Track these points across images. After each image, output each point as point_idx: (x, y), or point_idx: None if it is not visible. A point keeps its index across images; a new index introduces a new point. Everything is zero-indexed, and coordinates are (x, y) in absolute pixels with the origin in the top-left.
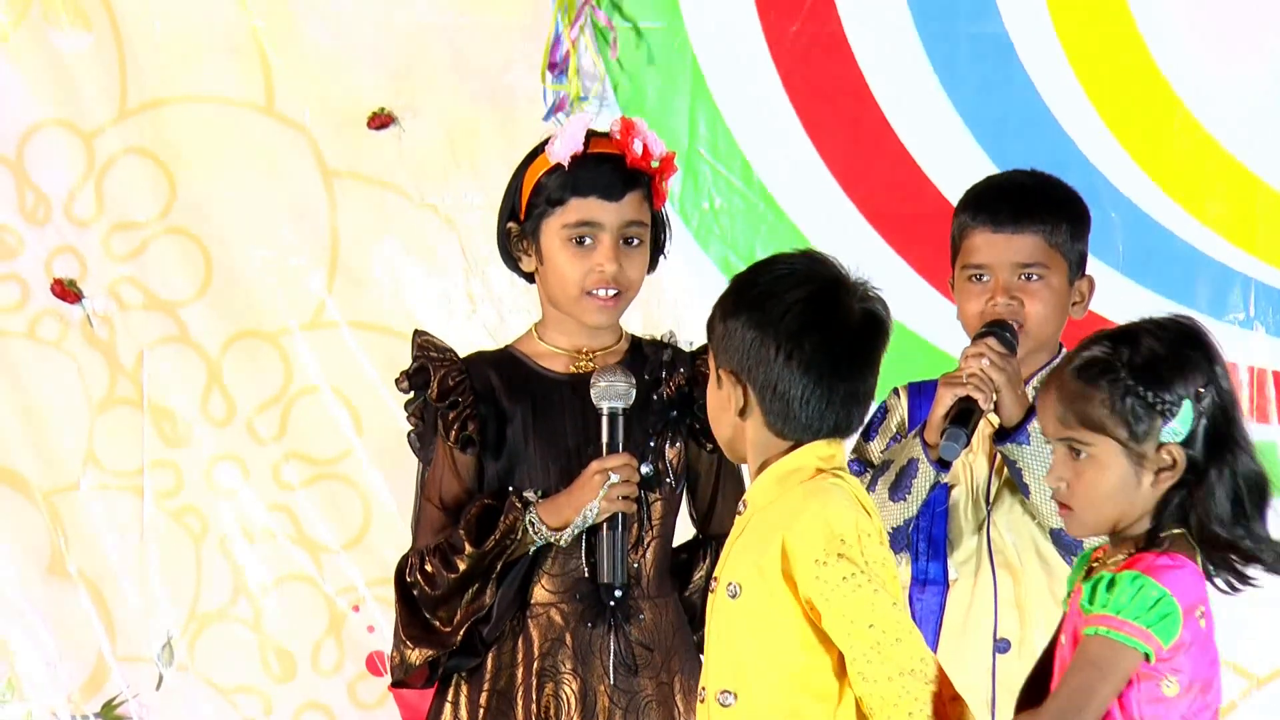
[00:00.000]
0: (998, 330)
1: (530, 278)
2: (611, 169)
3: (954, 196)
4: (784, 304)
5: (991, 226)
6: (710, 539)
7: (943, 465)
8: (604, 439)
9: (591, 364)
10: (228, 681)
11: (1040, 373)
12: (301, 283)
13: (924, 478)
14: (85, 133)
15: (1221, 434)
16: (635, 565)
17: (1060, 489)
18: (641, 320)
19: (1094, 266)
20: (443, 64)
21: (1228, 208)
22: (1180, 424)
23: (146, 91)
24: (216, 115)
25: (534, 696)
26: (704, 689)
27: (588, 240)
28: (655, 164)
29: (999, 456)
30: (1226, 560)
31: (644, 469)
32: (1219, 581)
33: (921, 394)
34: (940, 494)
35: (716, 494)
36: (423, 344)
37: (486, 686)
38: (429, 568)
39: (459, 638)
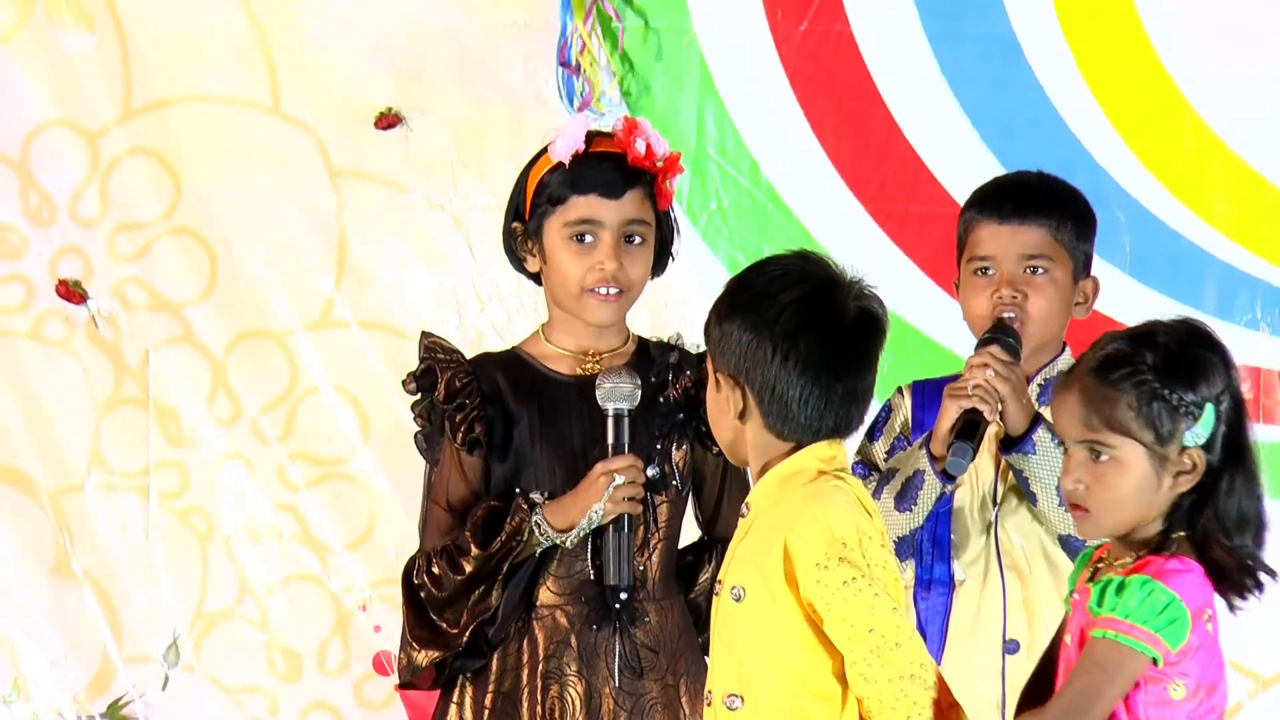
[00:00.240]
0: (1001, 337)
1: (536, 279)
2: (612, 167)
3: (961, 196)
4: (778, 305)
5: (998, 218)
6: (715, 542)
7: (948, 478)
8: (609, 440)
9: (598, 365)
10: (234, 681)
11: (1043, 370)
12: (307, 283)
13: (930, 489)
14: (89, 133)
15: (1237, 439)
16: (641, 568)
17: (1078, 490)
18: (649, 321)
19: (1100, 267)
20: (450, 63)
21: (1234, 209)
22: (1203, 427)
23: (151, 91)
24: (222, 115)
25: (539, 698)
26: (710, 692)
27: (588, 238)
28: (659, 164)
29: (1004, 460)
30: (1227, 568)
31: (650, 471)
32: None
33: (925, 393)
34: (945, 498)
35: (722, 497)
36: (430, 345)
37: (491, 688)
38: (436, 569)
39: (465, 639)
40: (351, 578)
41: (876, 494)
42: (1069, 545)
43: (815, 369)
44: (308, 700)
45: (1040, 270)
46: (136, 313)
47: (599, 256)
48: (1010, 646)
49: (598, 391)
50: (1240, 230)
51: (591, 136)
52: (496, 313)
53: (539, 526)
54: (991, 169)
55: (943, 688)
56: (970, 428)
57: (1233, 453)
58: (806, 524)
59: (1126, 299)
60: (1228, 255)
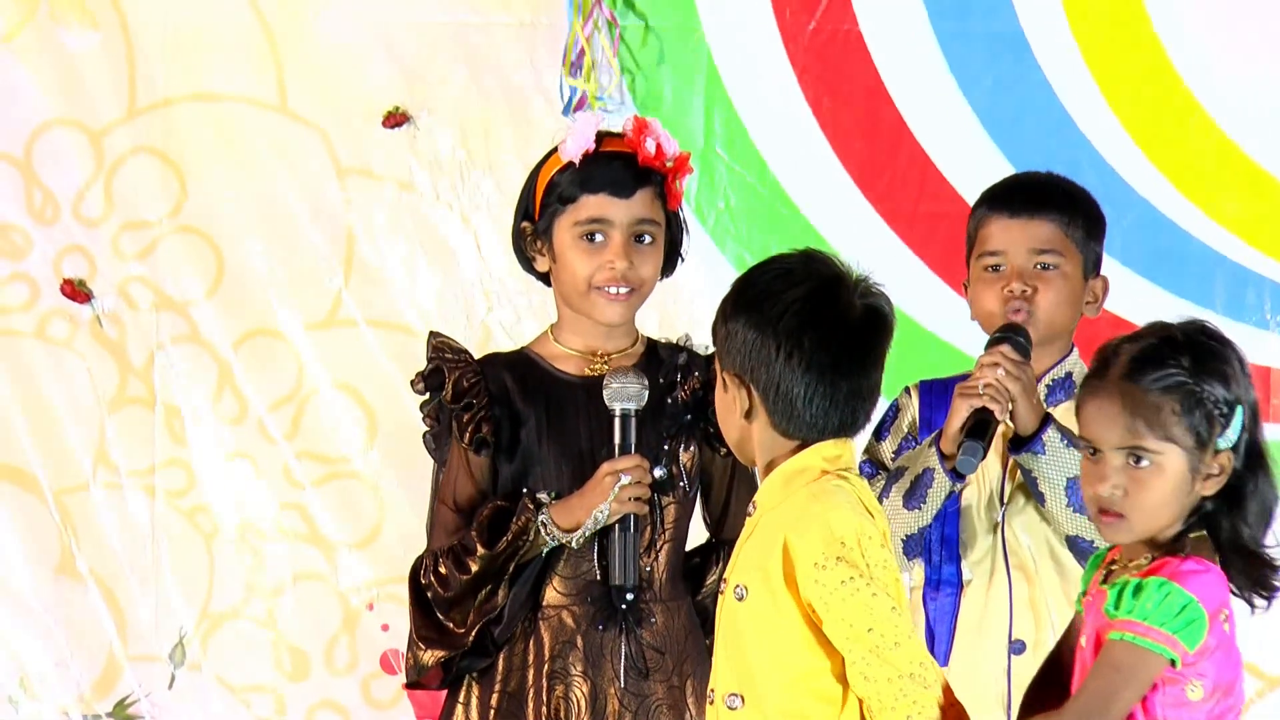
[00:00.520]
0: (1012, 336)
1: (545, 279)
2: (622, 166)
3: (969, 195)
4: (782, 303)
5: (1009, 213)
6: (723, 543)
7: (958, 477)
8: (616, 440)
9: (606, 366)
10: (240, 681)
11: (1052, 371)
12: (314, 281)
13: (939, 488)
14: (94, 132)
15: (1256, 442)
16: (648, 568)
17: (1115, 496)
18: (657, 321)
19: (1110, 266)
20: (457, 62)
21: (1244, 208)
22: (1233, 430)
23: (156, 90)
24: (228, 114)
25: (544, 699)
26: (712, 691)
27: (598, 237)
28: (669, 163)
29: (1012, 459)
30: (1252, 569)
31: (658, 472)
32: (1245, 595)
33: (933, 392)
34: (953, 494)
35: (730, 498)
36: (438, 345)
37: (497, 688)
38: (442, 569)
39: (471, 639)
40: (358, 577)
41: (885, 492)
42: (1076, 545)
43: (819, 367)
44: (315, 699)
45: (1050, 266)
46: (142, 312)
47: (609, 256)
48: (1016, 646)
49: (605, 391)
50: (1249, 229)
51: (602, 136)
52: (504, 312)
53: (545, 526)
54: (1000, 167)
55: (945, 688)
56: (981, 426)
57: (1253, 454)
58: (806, 523)
59: (1137, 298)
60: (1237, 254)
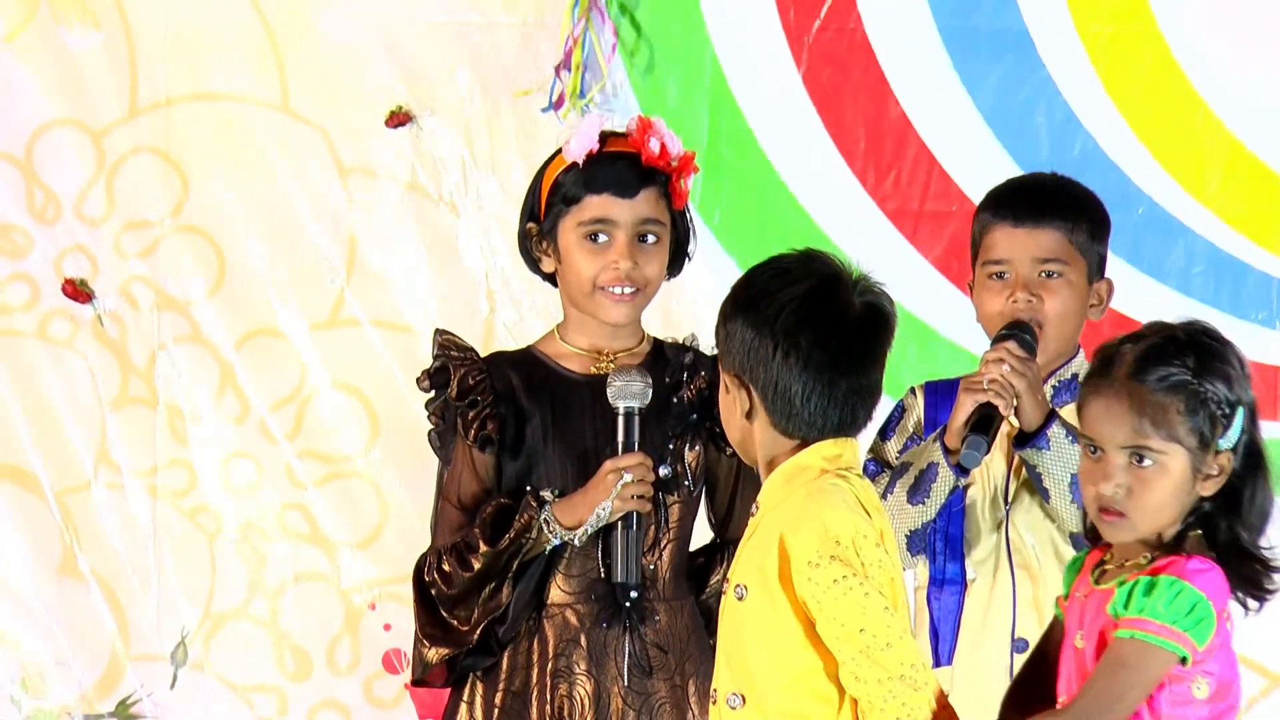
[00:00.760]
0: (1017, 333)
1: (552, 280)
2: (626, 166)
3: (974, 194)
4: (779, 303)
5: (1012, 221)
6: (728, 543)
7: (962, 471)
8: (619, 439)
9: (612, 365)
10: (243, 680)
11: (1058, 373)
12: (317, 281)
13: (943, 482)
14: (95, 131)
15: (1255, 443)
16: (651, 567)
17: (1117, 495)
18: (661, 321)
19: (1115, 264)
20: (460, 62)
21: (1248, 206)
22: (1234, 431)
23: (157, 90)
24: (229, 113)
25: (548, 697)
26: (715, 690)
27: (602, 237)
28: (673, 163)
29: (1017, 457)
30: (1247, 570)
31: (662, 471)
32: (1239, 596)
33: (938, 393)
34: (957, 493)
35: (735, 498)
36: (444, 343)
37: (502, 686)
38: (446, 567)
39: (476, 637)
40: (360, 576)
41: (889, 488)
42: (1080, 543)
43: (817, 365)
44: (318, 699)
45: (1055, 274)
46: (143, 311)
47: (613, 255)
48: (1019, 645)
49: (608, 390)
50: (1255, 227)
51: (606, 136)
52: (507, 311)
53: (548, 524)
54: (1005, 166)
55: (938, 693)
56: (985, 422)
57: (1252, 455)
58: (802, 522)
59: (1142, 297)
60: (1242, 252)
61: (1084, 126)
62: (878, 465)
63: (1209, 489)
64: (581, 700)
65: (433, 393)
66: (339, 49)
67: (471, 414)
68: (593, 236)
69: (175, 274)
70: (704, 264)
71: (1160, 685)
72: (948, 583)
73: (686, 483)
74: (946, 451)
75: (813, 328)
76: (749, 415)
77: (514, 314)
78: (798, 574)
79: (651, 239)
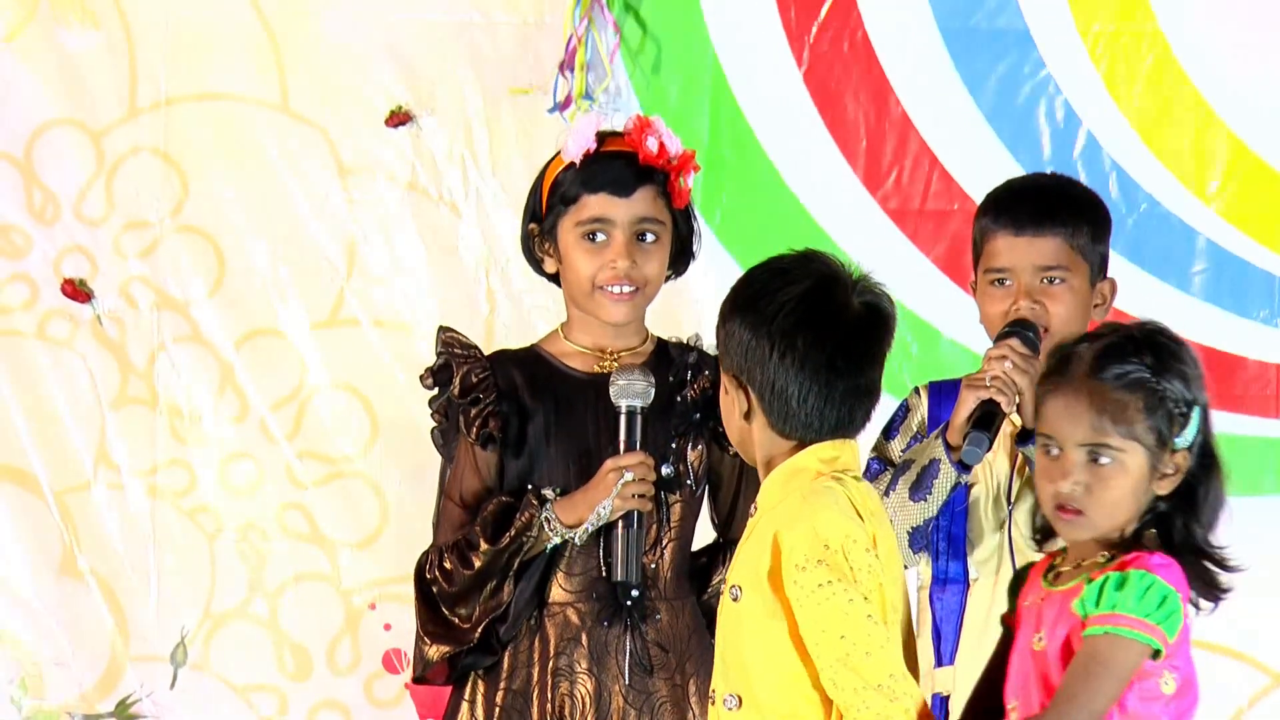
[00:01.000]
0: (1020, 330)
1: (555, 280)
2: (623, 165)
3: (976, 193)
4: (776, 303)
5: (1013, 230)
6: (730, 543)
7: (964, 468)
8: (621, 437)
9: (615, 364)
10: (243, 680)
11: None
12: (317, 281)
13: (945, 478)
14: (94, 132)
15: (1210, 443)
16: (652, 566)
17: (1075, 493)
18: (663, 321)
19: (1116, 263)
20: (460, 62)
21: (1250, 204)
22: (1190, 431)
23: (157, 90)
24: (229, 113)
25: (549, 695)
26: (714, 691)
27: (600, 236)
28: (672, 161)
29: (1020, 456)
30: (1202, 569)
31: (665, 470)
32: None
33: (942, 393)
34: (960, 493)
35: (738, 498)
36: (447, 340)
37: (503, 685)
38: (447, 565)
39: (477, 635)
40: (360, 576)
41: (892, 485)
42: None
43: (813, 366)
44: (318, 699)
45: (1057, 280)
46: (143, 311)
47: (611, 255)
48: None
49: (610, 389)
50: (1256, 226)
51: (604, 136)
52: (507, 311)
53: (549, 522)
54: (1006, 165)
55: (921, 708)
56: (987, 418)
57: (1206, 455)
58: (794, 524)
59: (1143, 295)
60: (1244, 251)
61: (1085, 125)
62: (881, 464)
63: (1165, 488)
64: (582, 699)
65: (436, 390)
66: (339, 49)
67: (474, 411)
68: (591, 236)
69: (175, 274)
70: (705, 264)
71: (1129, 682)
72: (950, 582)
73: (689, 482)
74: (949, 448)
75: (809, 328)
76: (747, 416)
77: (514, 314)
78: (786, 576)
79: (650, 238)
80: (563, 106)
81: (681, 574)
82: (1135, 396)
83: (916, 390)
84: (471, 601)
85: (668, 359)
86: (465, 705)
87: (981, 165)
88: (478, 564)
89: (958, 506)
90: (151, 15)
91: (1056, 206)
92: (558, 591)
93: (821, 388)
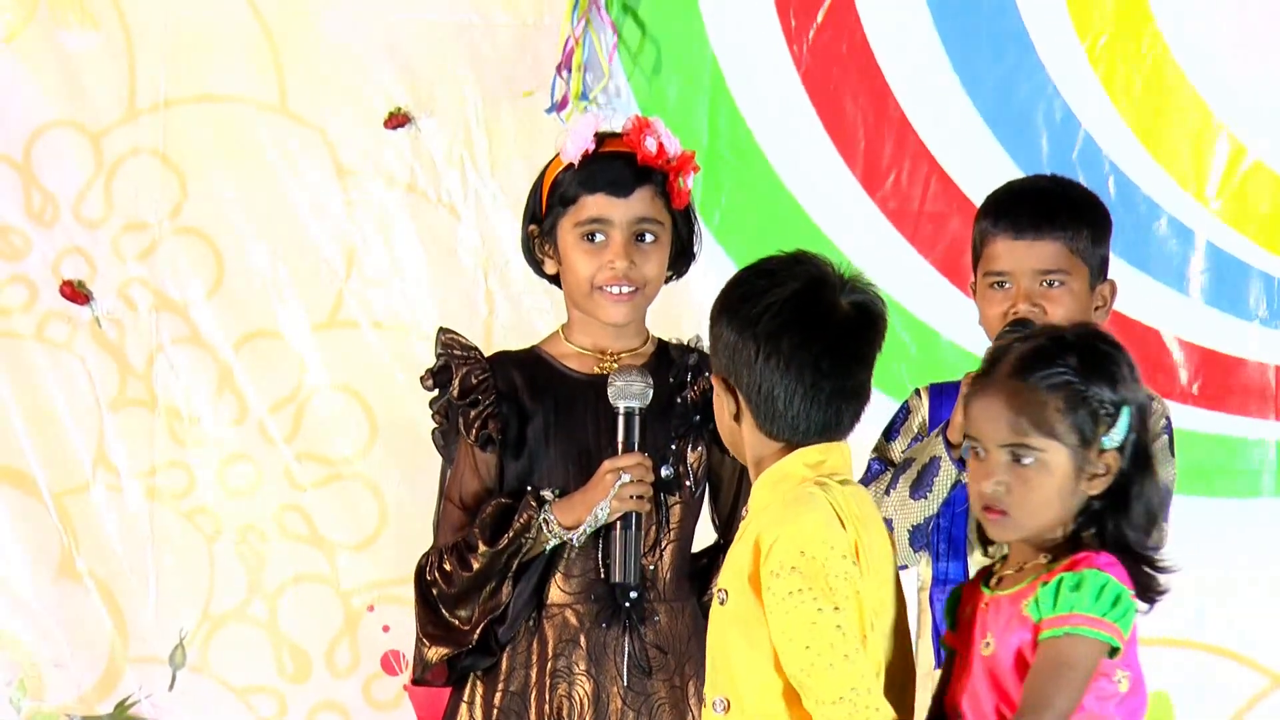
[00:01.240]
0: (1020, 331)
1: (556, 281)
2: (622, 165)
3: (974, 194)
4: (762, 305)
5: (1012, 233)
6: (730, 545)
7: (964, 465)
8: (619, 438)
9: (615, 365)
10: (242, 682)
11: None
12: (315, 282)
13: (945, 476)
14: (93, 133)
15: (1143, 444)
16: (651, 568)
17: (998, 493)
18: (662, 322)
19: (1114, 265)
20: (459, 63)
21: (1249, 206)
22: (1119, 431)
23: (156, 91)
24: (228, 115)
25: (547, 697)
26: (707, 694)
27: (599, 237)
28: (670, 162)
29: None
30: (1136, 571)
31: (664, 472)
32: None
33: (943, 394)
34: (960, 493)
35: (738, 500)
36: (447, 341)
37: (501, 686)
38: (447, 566)
39: (476, 636)
40: (359, 578)
41: (893, 483)
42: None
43: (798, 367)
44: (316, 700)
45: (1057, 284)
46: (141, 313)
47: (609, 255)
48: None
49: (609, 390)
50: (1255, 227)
51: (602, 137)
52: (506, 313)
53: (547, 524)
54: (1005, 167)
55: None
56: None
57: (1140, 456)
58: (775, 529)
59: (1142, 297)
60: (1243, 252)
61: (1083, 126)
62: (882, 464)
63: (1096, 488)
64: (580, 700)
65: (436, 391)
66: (338, 50)
67: (473, 413)
68: (589, 236)
69: (174, 275)
70: (704, 265)
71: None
72: (950, 583)
73: (688, 484)
74: (949, 446)
75: (794, 330)
76: (736, 417)
77: (513, 315)
78: (762, 581)
79: (649, 238)
80: (559, 107)
81: (681, 576)
82: (1055, 396)
83: (917, 392)
84: (471, 603)
85: (668, 360)
86: (464, 707)
87: (980, 167)
88: (476, 565)
89: (958, 508)
90: (151, 16)
91: (1056, 210)
92: (556, 593)
93: (807, 389)
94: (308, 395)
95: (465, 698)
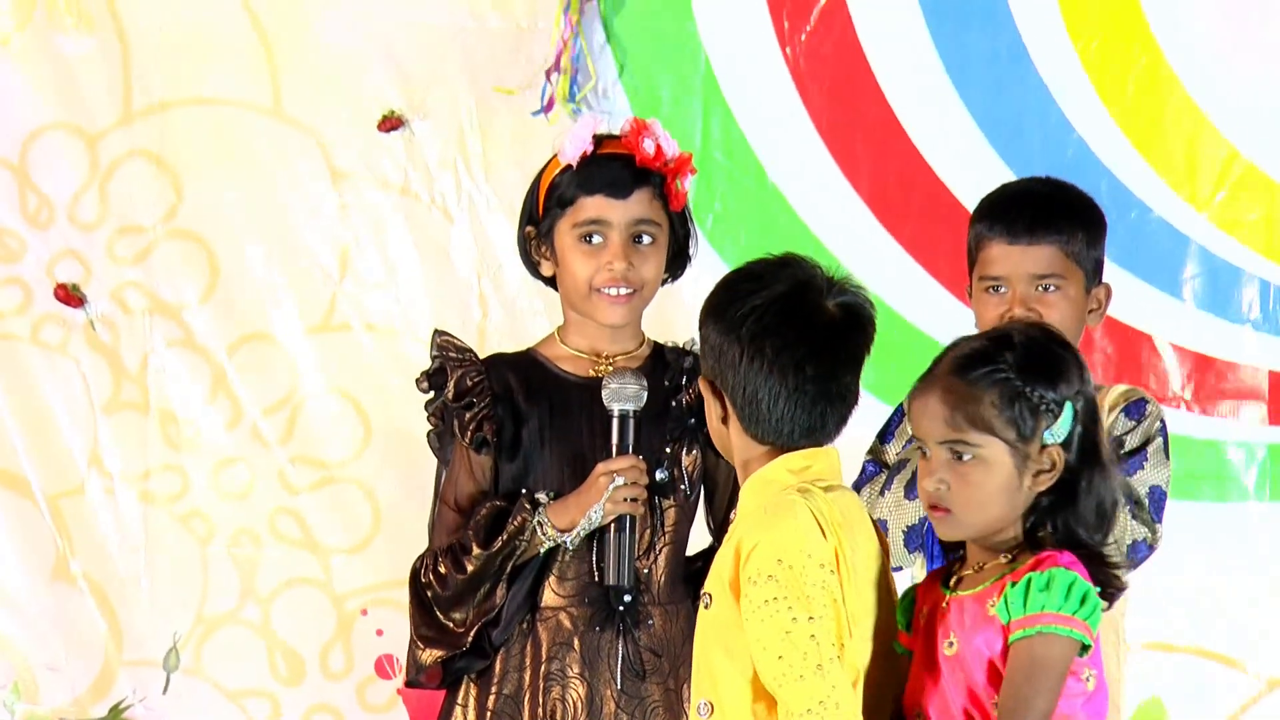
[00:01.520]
0: None
1: (552, 283)
2: (620, 167)
3: (967, 199)
4: (747, 308)
5: (1007, 238)
6: None
7: None
8: (613, 441)
9: (610, 368)
10: (235, 685)
11: None
12: (310, 286)
13: None
14: (89, 136)
15: (1091, 440)
16: (646, 571)
17: (940, 491)
18: (657, 325)
19: (1108, 270)
20: (453, 66)
21: (1242, 210)
22: (1061, 426)
23: (151, 94)
24: (223, 118)
25: (540, 700)
26: (692, 697)
27: (597, 238)
28: (669, 164)
29: None
30: (1090, 568)
31: (659, 475)
32: None
33: None
34: None
35: (733, 503)
36: (442, 344)
37: (495, 689)
38: (442, 568)
39: (470, 638)
40: (353, 581)
41: (887, 485)
42: (1138, 551)
43: (782, 370)
44: (310, 703)
45: (1052, 288)
46: (136, 316)
47: (608, 257)
48: None
49: (603, 392)
50: (1249, 232)
51: (601, 139)
52: (500, 316)
53: (541, 526)
54: (997, 171)
55: None
56: None
57: (1088, 452)
58: (756, 535)
59: (1135, 302)
60: (1236, 257)
61: (1077, 131)
62: (876, 467)
63: (1042, 484)
64: (574, 703)
65: (431, 394)
66: (332, 53)
67: (468, 415)
68: (587, 238)
69: (168, 279)
70: (697, 268)
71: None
72: None
73: (683, 487)
74: None
75: (778, 333)
76: (724, 420)
77: (506, 319)
78: (741, 587)
79: (647, 240)
80: (546, 108)
81: (676, 579)
82: (990, 392)
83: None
84: (465, 605)
85: (663, 363)
86: (458, 709)
87: (973, 173)
88: (471, 568)
89: None
90: (146, 20)
91: (1051, 214)
92: (550, 596)
93: (791, 392)
94: (302, 399)
95: (459, 700)
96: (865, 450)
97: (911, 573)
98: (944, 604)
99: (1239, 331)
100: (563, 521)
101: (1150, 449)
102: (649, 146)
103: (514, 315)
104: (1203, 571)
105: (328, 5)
